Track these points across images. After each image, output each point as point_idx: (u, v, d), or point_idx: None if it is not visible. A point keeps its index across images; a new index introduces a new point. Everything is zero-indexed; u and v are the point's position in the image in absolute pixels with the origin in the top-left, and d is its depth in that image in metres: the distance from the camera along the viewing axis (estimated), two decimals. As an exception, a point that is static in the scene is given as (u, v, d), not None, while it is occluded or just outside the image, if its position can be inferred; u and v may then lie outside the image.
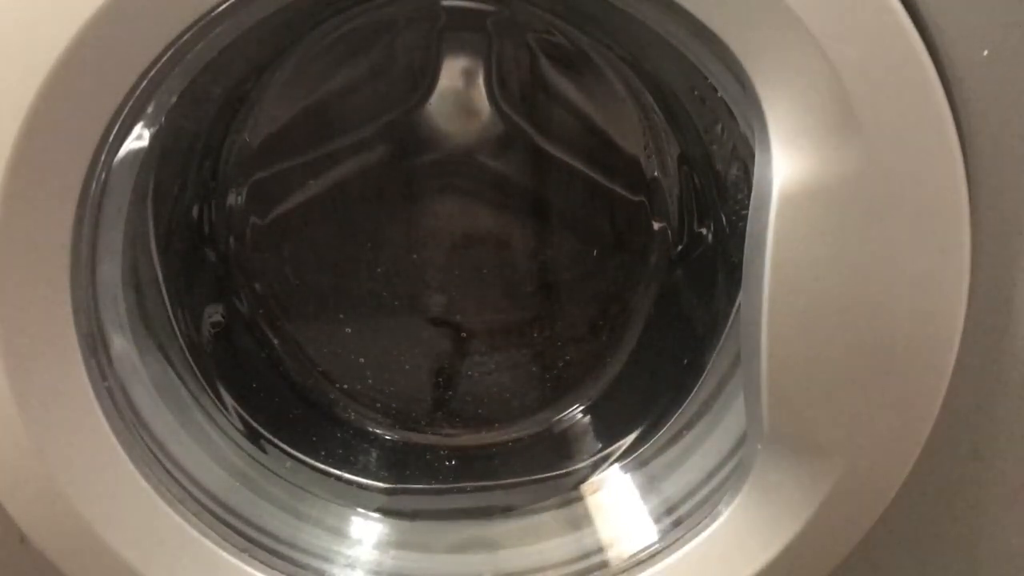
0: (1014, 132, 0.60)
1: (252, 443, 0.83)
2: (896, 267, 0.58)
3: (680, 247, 0.91)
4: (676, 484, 0.76)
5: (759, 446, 0.64)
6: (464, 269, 0.93)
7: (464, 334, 0.95)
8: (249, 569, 0.68)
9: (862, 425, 0.62)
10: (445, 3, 0.89)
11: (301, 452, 0.85)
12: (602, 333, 0.94)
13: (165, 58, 0.57)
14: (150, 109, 0.64)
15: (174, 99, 0.67)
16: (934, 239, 0.58)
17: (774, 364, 0.60)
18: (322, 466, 0.85)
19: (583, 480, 0.85)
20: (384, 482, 0.87)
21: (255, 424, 0.84)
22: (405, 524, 0.82)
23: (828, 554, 0.67)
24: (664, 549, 0.69)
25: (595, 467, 0.86)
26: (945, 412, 0.63)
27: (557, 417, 0.93)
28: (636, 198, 0.91)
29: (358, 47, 0.88)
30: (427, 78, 0.90)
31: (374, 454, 0.91)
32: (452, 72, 0.90)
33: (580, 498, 0.83)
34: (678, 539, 0.68)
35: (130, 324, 0.73)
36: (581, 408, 0.93)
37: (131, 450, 0.65)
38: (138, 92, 0.58)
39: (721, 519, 0.67)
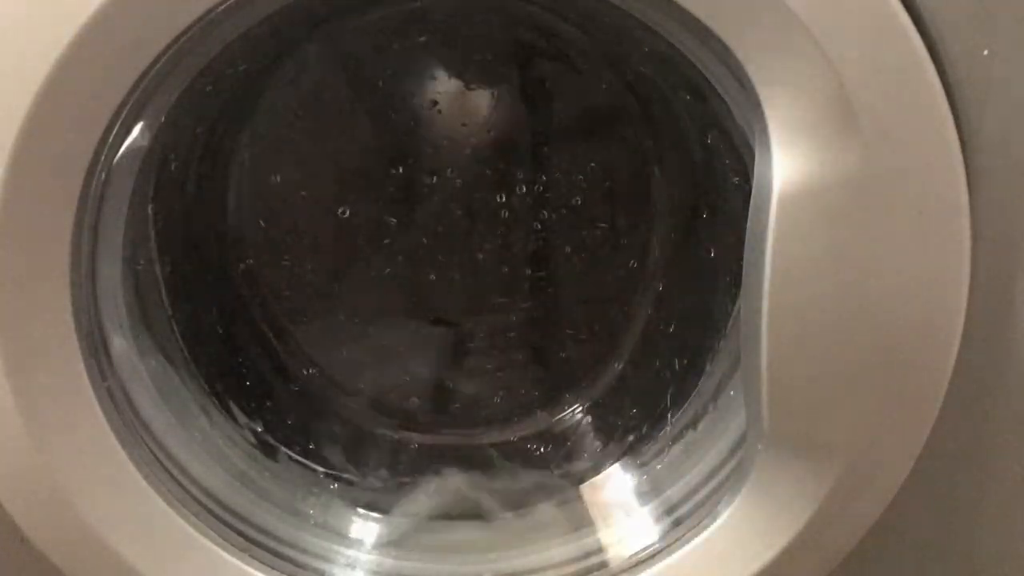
0: (1014, 132, 0.60)
1: (252, 442, 0.83)
2: (896, 267, 0.58)
3: (680, 246, 0.91)
4: (676, 484, 0.76)
5: (759, 446, 0.63)
6: (464, 269, 0.93)
7: (464, 334, 0.95)
8: (249, 569, 0.68)
9: (862, 425, 0.62)
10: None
11: (301, 452, 0.85)
12: (602, 333, 0.94)
13: (165, 58, 0.57)
14: (150, 108, 0.64)
15: (174, 99, 0.67)
16: (934, 239, 0.58)
17: (774, 364, 0.60)
18: (322, 466, 0.85)
19: (583, 480, 0.85)
20: (384, 482, 0.87)
21: (255, 424, 0.84)
22: (405, 524, 0.82)
23: (828, 554, 0.67)
24: (664, 549, 0.69)
25: (595, 467, 0.86)
26: (945, 412, 0.63)
27: (557, 417, 0.93)
28: (636, 197, 0.91)
29: (360, 47, 0.88)
30: (428, 79, 0.90)
31: (374, 454, 0.91)
32: (453, 73, 0.90)
33: (580, 498, 0.83)
34: (678, 539, 0.68)
35: (130, 324, 0.73)
36: (581, 408, 0.93)
37: (131, 450, 0.65)
38: (138, 92, 0.58)
39: (721, 519, 0.66)
